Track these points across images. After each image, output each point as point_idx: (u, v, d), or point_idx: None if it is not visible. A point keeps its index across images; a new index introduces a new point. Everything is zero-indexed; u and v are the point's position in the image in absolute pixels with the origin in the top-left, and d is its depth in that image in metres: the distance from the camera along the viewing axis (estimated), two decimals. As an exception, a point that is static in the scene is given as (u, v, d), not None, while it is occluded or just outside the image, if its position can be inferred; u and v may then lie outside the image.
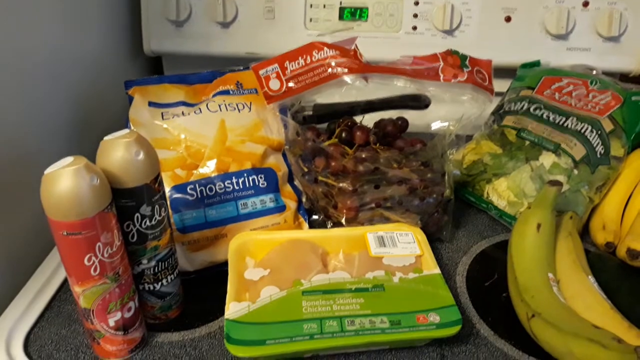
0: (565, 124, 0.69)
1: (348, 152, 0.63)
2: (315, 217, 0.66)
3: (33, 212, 0.54)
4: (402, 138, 0.66)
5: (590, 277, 0.55)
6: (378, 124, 0.67)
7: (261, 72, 0.64)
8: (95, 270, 0.44)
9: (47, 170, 0.42)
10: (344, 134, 0.64)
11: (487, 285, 0.60)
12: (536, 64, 0.83)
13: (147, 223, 0.48)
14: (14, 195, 0.60)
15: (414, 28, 0.86)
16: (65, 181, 0.41)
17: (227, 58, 0.88)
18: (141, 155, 0.45)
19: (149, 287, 0.51)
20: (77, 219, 0.41)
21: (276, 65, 0.63)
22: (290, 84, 0.63)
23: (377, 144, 0.63)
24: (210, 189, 0.60)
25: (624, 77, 0.86)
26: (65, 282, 0.60)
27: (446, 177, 0.64)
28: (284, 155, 0.67)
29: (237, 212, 0.61)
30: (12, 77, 0.60)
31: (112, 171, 0.45)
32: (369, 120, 0.69)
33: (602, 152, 0.67)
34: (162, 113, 0.62)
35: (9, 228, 0.60)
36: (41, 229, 0.49)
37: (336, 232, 0.61)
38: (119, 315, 0.47)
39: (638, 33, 0.83)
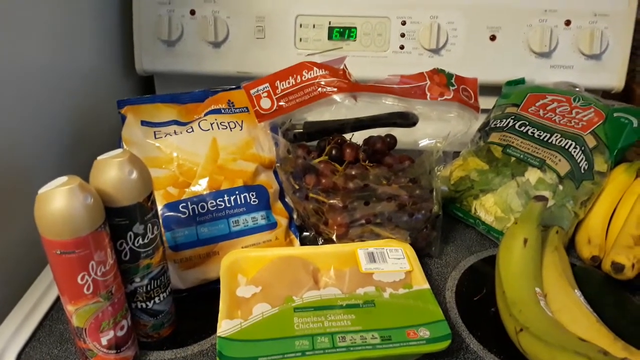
0: (550, 140, 0.71)
1: (338, 169, 0.64)
2: (306, 233, 0.67)
3: (25, 230, 0.54)
4: (390, 155, 0.67)
5: (576, 290, 0.56)
6: (367, 141, 0.68)
7: (252, 91, 0.65)
8: (88, 288, 0.44)
9: (41, 190, 0.42)
10: (334, 151, 0.65)
11: (475, 300, 0.61)
12: (521, 81, 0.85)
13: (140, 241, 0.48)
14: (6, 213, 0.60)
15: (402, 47, 0.87)
16: (59, 201, 0.41)
17: (218, 77, 0.89)
18: (134, 174, 0.46)
19: (141, 306, 0.51)
20: (70, 238, 0.42)
21: (267, 84, 0.64)
22: (281, 103, 0.64)
23: (367, 161, 0.65)
24: (202, 207, 0.60)
25: (606, 93, 0.88)
26: (57, 301, 0.59)
27: (434, 193, 0.65)
28: (275, 173, 0.68)
29: (229, 230, 0.61)
30: (4, 95, 0.61)
31: (105, 190, 0.45)
32: (358, 137, 0.70)
33: (586, 167, 0.68)
34: (154, 132, 0.63)
35: (0, 246, 0.60)
36: (33, 247, 0.49)
37: (327, 249, 0.62)
38: (111, 333, 0.48)
39: (619, 51, 0.85)
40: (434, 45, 0.85)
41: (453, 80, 0.66)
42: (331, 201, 0.62)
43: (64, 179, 0.43)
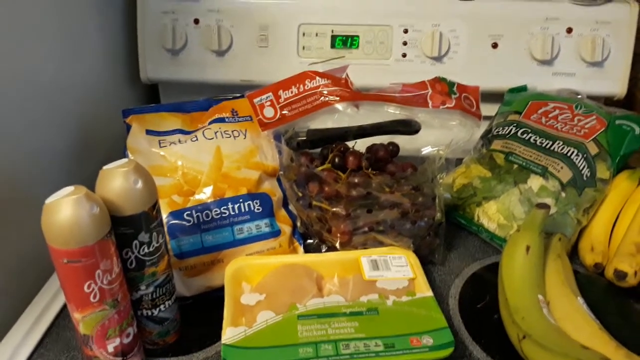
0: (552, 148, 0.71)
1: (341, 177, 0.64)
2: (310, 241, 0.67)
3: (32, 239, 0.54)
4: (393, 163, 0.68)
5: (579, 298, 0.56)
6: (370, 148, 0.69)
7: (256, 100, 0.65)
8: (94, 297, 0.45)
9: (48, 200, 0.43)
10: (336, 159, 0.66)
11: (479, 307, 0.61)
12: (523, 88, 0.85)
13: (145, 250, 0.49)
14: (13, 222, 0.61)
15: (404, 55, 0.88)
16: (66, 210, 0.42)
17: (222, 85, 0.89)
18: (139, 184, 0.46)
19: (147, 313, 0.52)
20: (77, 246, 0.42)
21: (270, 93, 0.65)
22: (284, 112, 0.65)
23: (369, 169, 0.65)
24: (207, 215, 0.61)
25: (609, 101, 0.89)
26: (63, 309, 0.60)
27: (437, 200, 0.65)
28: (279, 181, 0.69)
29: (233, 237, 0.62)
30: (8, 104, 0.61)
31: (111, 199, 0.46)
32: (361, 145, 0.70)
33: (588, 174, 0.69)
34: (159, 141, 0.64)
35: (8, 255, 0.60)
36: (40, 255, 0.50)
37: (330, 256, 0.62)
38: (117, 341, 0.48)
39: (620, 58, 0.85)
40: (436, 53, 0.86)
41: (455, 89, 0.67)
42: (334, 209, 0.62)
43: (70, 188, 0.43)
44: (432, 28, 0.86)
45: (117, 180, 0.46)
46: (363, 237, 0.63)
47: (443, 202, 0.66)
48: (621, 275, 0.59)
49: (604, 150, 0.71)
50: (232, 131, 0.66)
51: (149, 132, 0.64)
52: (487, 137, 0.78)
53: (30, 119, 0.65)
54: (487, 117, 0.76)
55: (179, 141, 0.64)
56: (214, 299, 0.58)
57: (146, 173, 0.48)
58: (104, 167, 0.47)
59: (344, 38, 0.88)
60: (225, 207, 0.62)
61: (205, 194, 0.62)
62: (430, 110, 0.65)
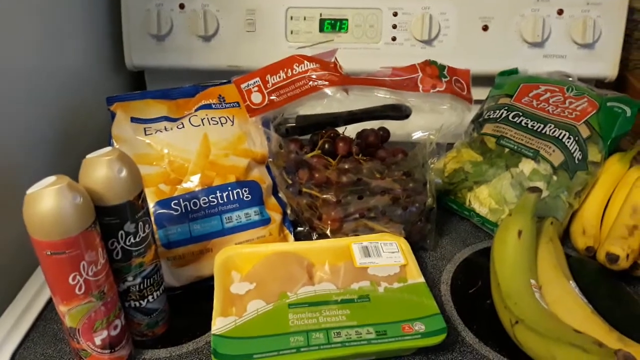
0: (544, 131, 0.71)
1: (331, 164, 0.63)
2: (300, 228, 0.67)
3: (15, 231, 0.53)
4: (383, 148, 0.67)
5: (571, 281, 0.56)
6: (360, 134, 0.68)
7: (243, 85, 0.64)
8: (80, 289, 0.44)
9: (30, 190, 0.42)
10: (326, 146, 0.65)
11: (471, 293, 0.61)
12: (514, 71, 0.84)
13: (132, 240, 0.48)
14: (-4, 214, 0.60)
15: (394, 39, 0.87)
16: (48, 201, 0.41)
17: (209, 71, 0.88)
18: (124, 173, 0.46)
19: (135, 304, 0.51)
20: (60, 238, 0.41)
21: (257, 79, 0.64)
22: (272, 97, 0.64)
23: (360, 155, 0.64)
24: (195, 204, 0.60)
25: (600, 83, 0.88)
26: (50, 302, 0.59)
27: (428, 186, 0.64)
28: (268, 168, 0.68)
29: (222, 226, 0.61)
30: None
31: (95, 189, 0.45)
32: (351, 131, 0.69)
33: (580, 157, 0.68)
34: (144, 128, 0.63)
35: (-9, 248, 0.60)
36: (24, 248, 0.49)
37: (321, 244, 0.62)
38: (105, 333, 0.47)
39: (612, 40, 0.85)
40: (426, 37, 0.85)
41: (445, 72, 0.66)
42: (325, 196, 0.62)
43: (52, 178, 0.42)
44: (422, 11, 0.85)
45: (100, 169, 0.45)
46: (354, 223, 0.63)
47: (434, 187, 0.66)
48: (613, 258, 0.59)
49: (595, 133, 0.70)
50: (220, 118, 0.65)
51: (134, 119, 0.63)
52: (478, 121, 0.77)
53: (10, 108, 0.63)
54: (478, 101, 0.75)
55: (165, 129, 0.63)
56: (204, 288, 0.57)
57: (130, 161, 0.47)
58: (87, 156, 0.46)
59: (332, 21, 0.87)
60: (213, 195, 0.61)
61: (192, 183, 0.61)
62: (421, 94, 0.63)
